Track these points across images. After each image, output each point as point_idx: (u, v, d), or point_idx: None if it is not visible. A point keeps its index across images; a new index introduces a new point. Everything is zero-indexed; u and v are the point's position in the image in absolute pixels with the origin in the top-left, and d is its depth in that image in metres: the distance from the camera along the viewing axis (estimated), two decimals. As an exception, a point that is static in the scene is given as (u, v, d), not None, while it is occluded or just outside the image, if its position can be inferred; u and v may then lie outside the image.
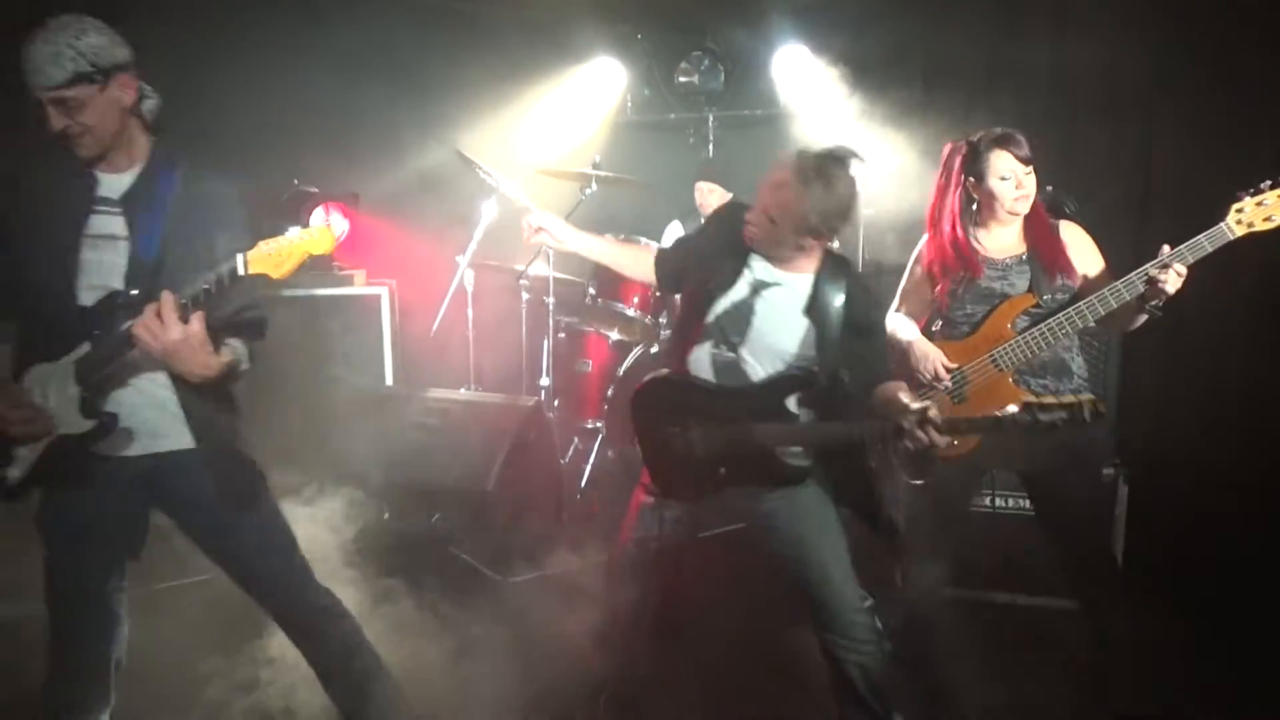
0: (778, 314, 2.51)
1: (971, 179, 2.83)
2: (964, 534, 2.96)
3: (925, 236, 3.00)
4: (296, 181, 4.52)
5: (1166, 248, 2.59)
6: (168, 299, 1.90)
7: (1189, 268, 2.56)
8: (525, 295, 4.68)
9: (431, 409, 3.94)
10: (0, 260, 2.08)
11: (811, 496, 2.53)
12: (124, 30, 2.07)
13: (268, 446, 2.54)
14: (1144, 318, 2.69)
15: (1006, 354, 2.79)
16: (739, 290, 2.52)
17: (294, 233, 1.94)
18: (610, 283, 4.32)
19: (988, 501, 3.55)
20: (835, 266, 2.54)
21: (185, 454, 2.16)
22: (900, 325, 3.07)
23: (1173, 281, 2.56)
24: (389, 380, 4.43)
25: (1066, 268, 2.80)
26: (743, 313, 2.51)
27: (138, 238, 2.05)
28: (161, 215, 2.06)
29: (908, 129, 4.75)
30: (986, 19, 4.54)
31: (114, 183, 2.10)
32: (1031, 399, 2.71)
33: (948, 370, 2.88)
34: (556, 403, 4.48)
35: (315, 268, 4.44)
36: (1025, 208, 2.80)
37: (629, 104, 6.04)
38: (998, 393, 2.81)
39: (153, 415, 2.14)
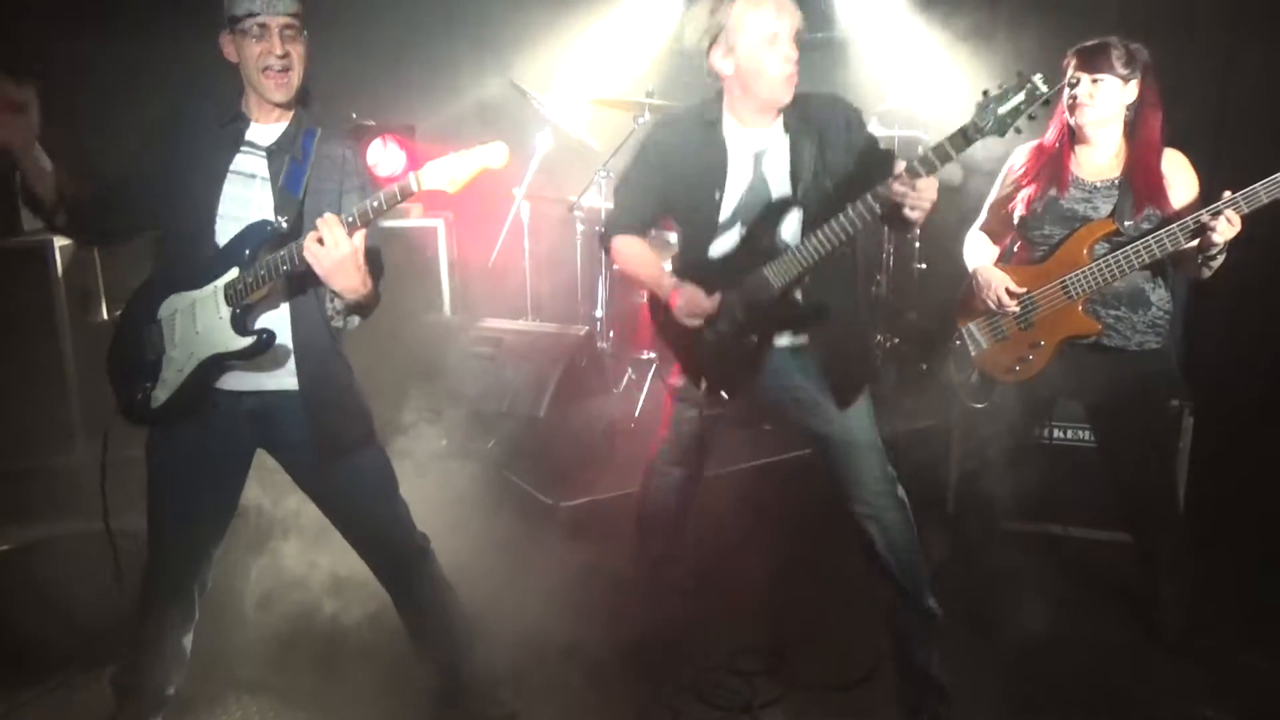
0: (780, 172, 2.44)
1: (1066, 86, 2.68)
2: (1023, 463, 2.91)
3: (1021, 149, 2.91)
4: (355, 115, 4.55)
5: (1228, 194, 2.50)
6: (333, 218, 1.97)
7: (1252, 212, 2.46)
8: (579, 226, 4.68)
9: (486, 338, 4.00)
10: (151, 188, 2.18)
11: (834, 372, 2.48)
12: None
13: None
14: (1206, 272, 2.60)
15: (1078, 281, 2.72)
16: (739, 175, 2.46)
17: (466, 152, 2.00)
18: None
19: (1049, 433, 3.49)
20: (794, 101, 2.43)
21: (291, 395, 2.21)
22: (972, 246, 3.01)
23: (1223, 230, 2.47)
24: (447, 311, 4.49)
25: (1158, 198, 2.68)
26: (757, 191, 2.45)
27: (283, 178, 2.15)
28: (304, 165, 2.16)
29: (975, 51, 4.58)
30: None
31: (264, 131, 2.20)
32: (1101, 328, 2.71)
33: (1014, 296, 2.82)
34: (611, 334, 4.51)
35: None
36: (1083, 117, 2.69)
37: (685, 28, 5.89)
38: (1067, 321, 2.77)
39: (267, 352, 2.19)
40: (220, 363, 2.14)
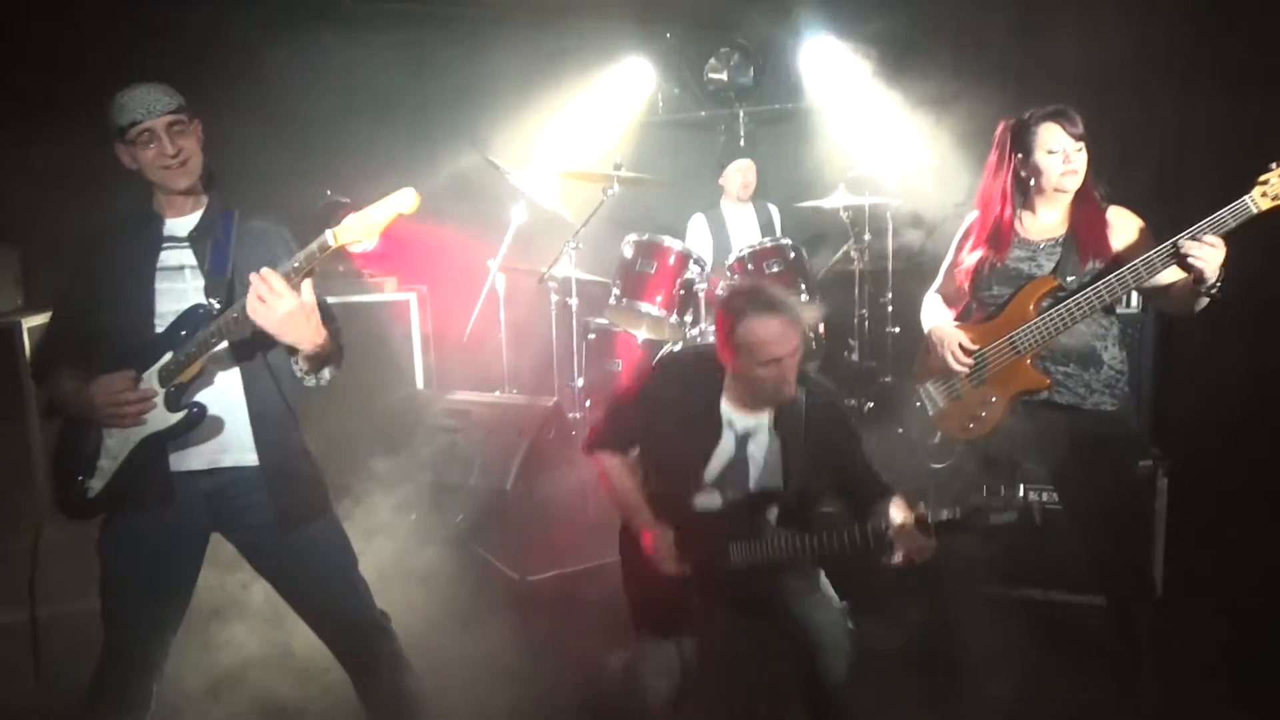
0: (764, 458, 2.51)
1: (1020, 155, 2.74)
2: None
3: (973, 215, 2.94)
4: (329, 192, 4.63)
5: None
6: (269, 271, 1.96)
7: (1228, 248, 2.44)
8: (554, 297, 4.71)
9: (454, 411, 4.00)
10: (83, 312, 2.21)
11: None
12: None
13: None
14: (1204, 301, 2.56)
15: (1025, 335, 2.73)
16: (726, 448, 2.51)
17: (378, 203, 2.02)
18: (633, 282, 4.33)
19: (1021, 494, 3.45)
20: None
21: (249, 471, 2.20)
22: (929, 309, 3.04)
23: (1209, 256, 2.44)
24: (419, 385, 4.49)
25: (1102, 251, 2.69)
26: (739, 467, 2.51)
27: (208, 263, 2.17)
28: (227, 245, 2.19)
29: (937, 116, 4.68)
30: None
31: (180, 224, 2.23)
32: (1050, 383, 2.71)
33: (968, 352, 2.82)
34: (589, 402, 4.50)
35: (345, 275, 4.55)
36: (1073, 184, 2.70)
37: (660, 103, 6.03)
38: (1016, 376, 2.78)
39: (219, 428, 2.19)
40: (157, 444, 2.13)
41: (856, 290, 4.84)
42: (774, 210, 5.20)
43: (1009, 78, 4.46)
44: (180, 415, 2.12)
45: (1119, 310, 3.06)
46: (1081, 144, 2.69)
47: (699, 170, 5.55)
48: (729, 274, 4.33)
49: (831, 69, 5.34)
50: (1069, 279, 2.70)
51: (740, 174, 5.06)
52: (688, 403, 2.52)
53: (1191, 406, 4.05)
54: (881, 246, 4.90)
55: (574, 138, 5.53)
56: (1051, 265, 2.74)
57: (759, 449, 2.51)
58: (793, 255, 4.27)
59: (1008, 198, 2.81)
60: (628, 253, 4.40)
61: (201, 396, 2.17)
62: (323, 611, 2.32)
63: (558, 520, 3.66)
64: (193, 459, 2.18)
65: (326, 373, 2.21)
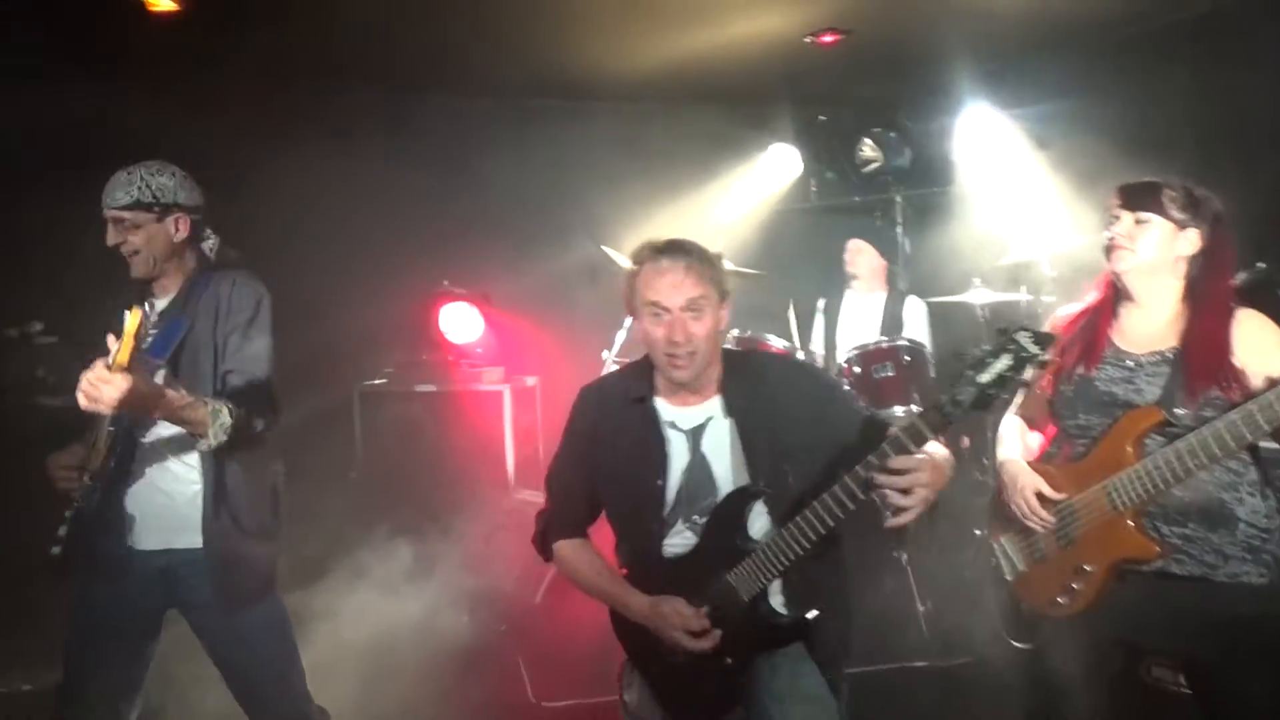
0: (728, 449, 2.10)
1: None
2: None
3: (1070, 305, 2.38)
4: (446, 283, 4.70)
5: None
6: (99, 363, 1.97)
7: None
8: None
9: (513, 510, 3.82)
10: None
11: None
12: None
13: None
14: None
15: (1123, 486, 2.09)
16: (679, 455, 2.11)
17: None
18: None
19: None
20: (733, 365, 2.15)
21: (198, 553, 2.24)
22: (1005, 435, 2.45)
23: None
24: (510, 477, 4.36)
25: (1225, 374, 2.04)
26: (700, 470, 2.10)
27: (151, 345, 2.22)
28: (183, 322, 2.25)
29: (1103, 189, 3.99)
30: (1187, 61, 3.73)
31: (164, 301, 2.34)
32: (1163, 551, 2.05)
33: (1048, 502, 2.22)
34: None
35: (435, 364, 4.54)
36: (1122, 264, 2.15)
37: (812, 187, 5.71)
38: (1117, 539, 2.12)
39: (170, 511, 2.25)
40: (80, 518, 2.19)
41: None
42: (914, 304, 4.51)
43: (1176, 146, 3.71)
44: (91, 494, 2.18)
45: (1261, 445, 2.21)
46: (1147, 215, 2.11)
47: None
48: (840, 378, 3.85)
49: (993, 149, 4.77)
50: (1179, 411, 2.06)
51: (852, 256, 4.54)
52: (622, 420, 2.14)
53: None
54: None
55: (710, 226, 5.30)
56: (1156, 390, 2.10)
57: (717, 441, 2.09)
58: (908, 359, 3.71)
59: (1108, 291, 2.24)
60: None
61: (156, 479, 2.25)
62: (249, 697, 2.33)
63: (584, 644, 3.32)
64: (149, 539, 2.26)
65: (205, 441, 2.14)
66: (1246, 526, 2.06)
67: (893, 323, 4.38)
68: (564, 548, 2.24)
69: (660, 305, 2.00)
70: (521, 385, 4.57)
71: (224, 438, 2.14)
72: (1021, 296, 4.16)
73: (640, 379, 2.16)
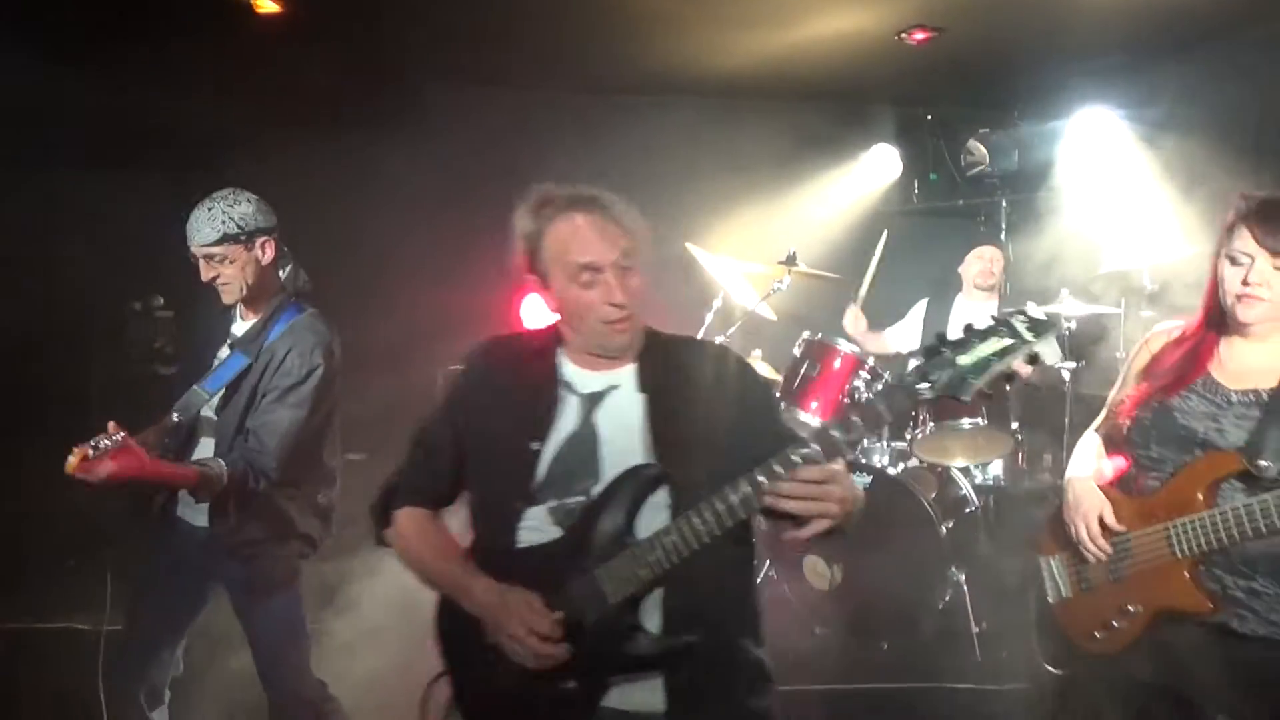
0: (620, 427, 1.75)
1: (1223, 257, 1.95)
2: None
3: (1172, 321, 2.16)
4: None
5: None
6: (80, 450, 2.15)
7: None
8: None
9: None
10: None
11: None
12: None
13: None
14: None
15: (1187, 533, 1.90)
16: (567, 420, 1.76)
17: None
18: (795, 386, 3.88)
19: None
20: (656, 339, 1.84)
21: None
22: (1080, 450, 2.27)
23: None
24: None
25: None
26: (586, 443, 1.73)
27: (214, 376, 2.42)
28: (243, 359, 2.40)
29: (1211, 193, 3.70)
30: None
31: (244, 325, 2.47)
32: (1217, 607, 1.86)
33: (1109, 532, 2.05)
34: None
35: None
36: (1249, 315, 1.88)
37: (915, 190, 5.52)
38: (1168, 585, 1.94)
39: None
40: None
41: (1067, 419, 3.86)
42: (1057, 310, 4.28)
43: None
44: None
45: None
46: None
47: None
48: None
49: (1102, 152, 4.48)
50: (1264, 463, 1.83)
51: (981, 261, 4.41)
52: (513, 375, 1.80)
53: None
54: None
55: (798, 225, 5.18)
56: (1243, 434, 1.88)
57: (612, 416, 1.74)
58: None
59: (1211, 308, 2.00)
60: (797, 352, 3.98)
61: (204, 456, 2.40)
62: (261, 674, 2.48)
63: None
64: (194, 513, 2.41)
65: (204, 497, 2.32)
66: (1322, 584, 1.85)
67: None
68: (405, 516, 1.84)
69: (592, 265, 1.69)
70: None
71: (209, 500, 2.31)
72: (1114, 310, 3.90)
73: (546, 338, 1.84)
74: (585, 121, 4.95)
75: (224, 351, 2.45)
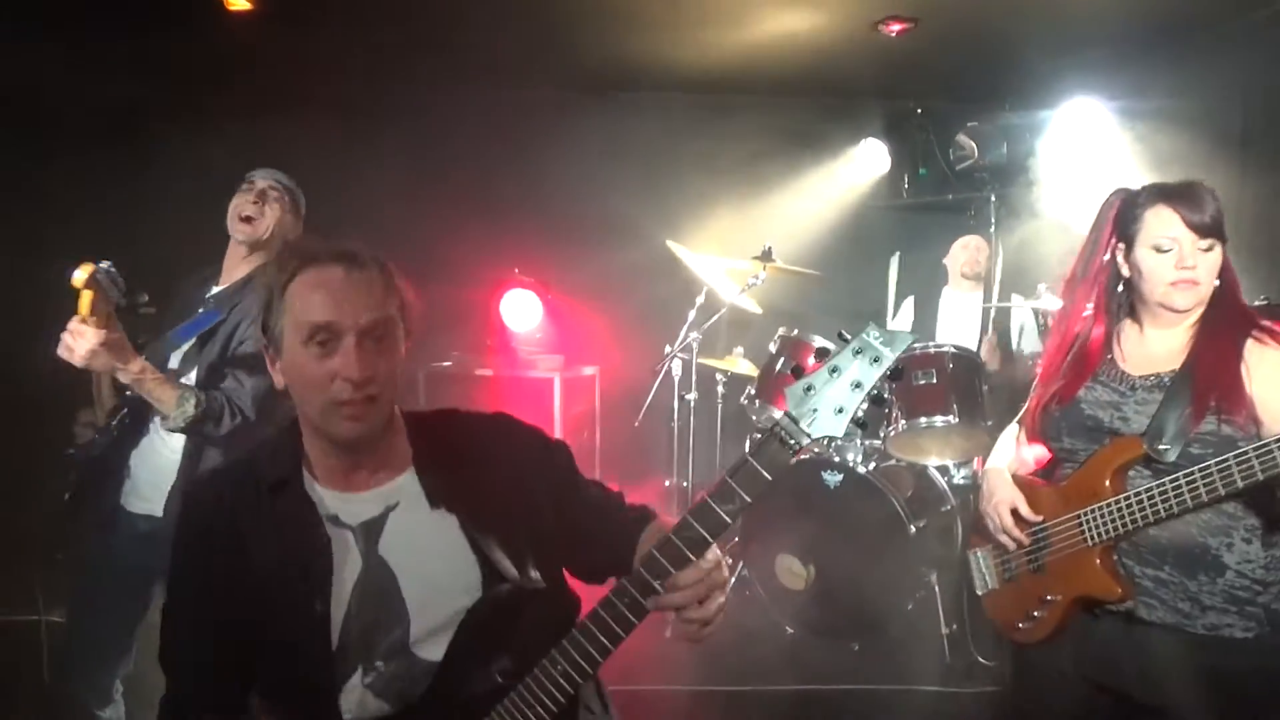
0: (417, 554, 1.48)
1: (1122, 244, 1.96)
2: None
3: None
4: (517, 270, 4.80)
5: None
6: (75, 320, 2.12)
7: None
8: (720, 390, 4.41)
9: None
10: None
11: None
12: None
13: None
14: None
15: (1095, 520, 1.91)
16: (347, 565, 1.45)
17: None
18: (770, 383, 3.87)
19: None
20: (424, 427, 1.55)
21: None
22: (1000, 441, 2.28)
23: None
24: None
25: (1230, 405, 1.81)
26: (381, 586, 1.45)
27: (185, 328, 2.40)
28: (217, 314, 2.40)
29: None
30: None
31: (216, 289, 2.49)
32: (1127, 594, 1.86)
33: (1023, 523, 2.06)
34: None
35: (508, 348, 4.66)
36: (1185, 301, 1.88)
37: (905, 184, 5.47)
38: (1081, 573, 1.95)
39: (156, 478, 2.37)
40: (84, 470, 2.38)
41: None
42: (1019, 306, 4.24)
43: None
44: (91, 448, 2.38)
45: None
46: (1212, 241, 1.86)
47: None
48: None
49: (1089, 144, 4.41)
50: (1163, 446, 1.83)
51: (965, 251, 4.41)
52: (257, 521, 1.45)
53: None
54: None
55: (780, 220, 5.17)
56: (1144, 420, 1.88)
57: (402, 542, 1.46)
58: (951, 366, 3.47)
59: (1102, 304, 2.01)
60: (772, 349, 3.96)
61: (150, 445, 2.39)
62: None
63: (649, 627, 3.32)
64: (136, 501, 2.39)
65: (175, 420, 2.23)
66: (1235, 576, 1.83)
67: (1000, 330, 4.23)
68: None
69: (330, 328, 1.38)
70: (577, 374, 4.63)
71: (181, 424, 2.23)
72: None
73: (281, 454, 1.49)
74: (566, 118, 4.97)
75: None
